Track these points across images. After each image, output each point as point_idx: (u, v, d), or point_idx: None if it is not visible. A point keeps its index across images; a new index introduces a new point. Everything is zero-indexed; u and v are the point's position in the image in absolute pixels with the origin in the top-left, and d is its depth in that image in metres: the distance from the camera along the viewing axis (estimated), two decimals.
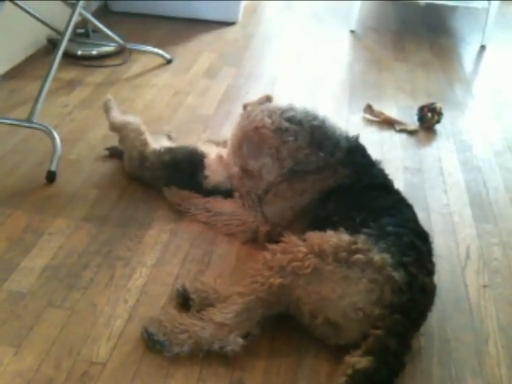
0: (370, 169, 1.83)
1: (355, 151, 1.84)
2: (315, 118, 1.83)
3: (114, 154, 2.26)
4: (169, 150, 2.06)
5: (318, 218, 1.74)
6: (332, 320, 1.47)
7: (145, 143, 2.09)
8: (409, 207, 1.76)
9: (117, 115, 2.23)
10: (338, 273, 1.47)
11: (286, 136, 1.78)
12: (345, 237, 1.53)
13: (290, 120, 1.80)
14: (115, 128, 2.21)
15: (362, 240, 1.51)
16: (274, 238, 1.76)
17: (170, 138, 2.33)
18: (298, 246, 1.53)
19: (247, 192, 1.89)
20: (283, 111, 1.83)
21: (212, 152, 2.05)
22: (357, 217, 1.64)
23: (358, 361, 1.36)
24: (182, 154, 2.04)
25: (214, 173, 1.97)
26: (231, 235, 1.91)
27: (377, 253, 1.48)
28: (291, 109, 1.84)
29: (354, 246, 1.49)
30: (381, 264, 1.46)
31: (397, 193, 1.82)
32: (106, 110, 2.28)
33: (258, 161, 1.83)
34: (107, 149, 2.29)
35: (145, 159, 2.06)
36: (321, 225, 1.65)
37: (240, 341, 1.46)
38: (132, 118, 2.18)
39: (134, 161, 2.09)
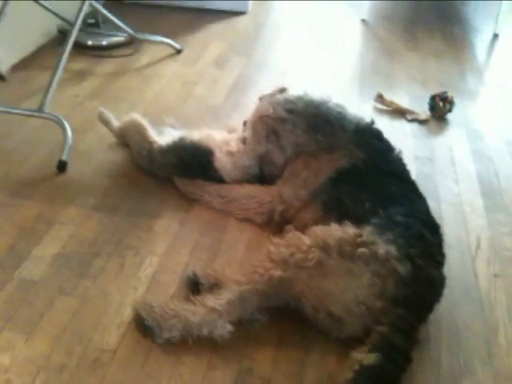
0: (385, 154, 1.85)
1: (366, 134, 1.88)
2: (316, 106, 1.92)
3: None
4: (174, 149, 2.02)
5: (330, 198, 1.74)
6: (334, 314, 1.47)
7: (151, 141, 2.07)
8: (422, 198, 1.75)
9: (116, 123, 2.25)
10: (342, 267, 1.47)
11: (285, 125, 1.91)
12: (350, 230, 1.52)
13: (290, 111, 1.91)
14: (120, 135, 2.21)
15: (367, 232, 1.51)
16: (288, 219, 1.82)
17: (173, 127, 2.28)
18: (302, 240, 1.53)
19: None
20: (286, 102, 1.93)
21: (217, 139, 2.05)
22: (366, 201, 1.64)
23: (365, 357, 1.36)
24: (189, 155, 2.01)
25: (224, 166, 1.98)
26: (245, 220, 1.93)
27: (382, 245, 1.47)
28: (292, 101, 1.94)
29: (359, 240, 1.49)
30: (385, 257, 1.46)
31: (411, 183, 1.82)
32: (104, 123, 2.29)
33: (263, 146, 1.95)
34: None
35: (153, 159, 2.05)
36: (333, 207, 1.68)
37: (228, 327, 1.46)
38: (131, 117, 2.17)
39: (144, 159, 2.10)
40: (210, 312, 1.47)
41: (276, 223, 1.87)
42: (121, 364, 1.43)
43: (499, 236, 1.94)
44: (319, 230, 1.55)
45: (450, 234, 1.90)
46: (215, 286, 1.59)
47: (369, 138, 1.87)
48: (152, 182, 2.09)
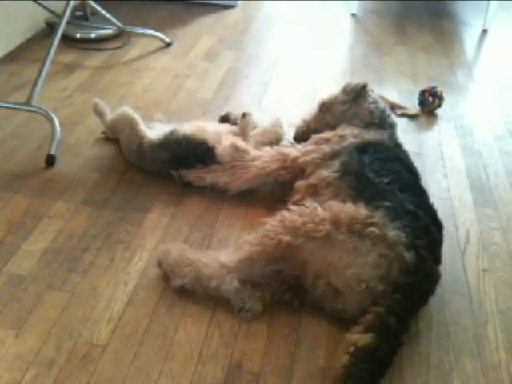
0: (401, 146, 1.98)
1: (392, 126, 2.05)
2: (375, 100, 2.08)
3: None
4: (166, 144, 2.01)
5: (351, 160, 1.78)
6: (334, 285, 1.50)
7: (141, 136, 2.05)
8: (428, 198, 1.78)
9: (109, 115, 2.24)
10: (349, 243, 1.50)
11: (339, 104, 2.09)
12: (363, 210, 1.55)
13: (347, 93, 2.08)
14: (111, 128, 2.20)
15: (379, 216, 1.54)
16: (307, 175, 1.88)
17: (161, 122, 2.25)
18: (317, 211, 1.56)
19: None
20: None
21: (209, 131, 2.05)
22: (386, 176, 1.69)
23: (360, 338, 1.38)
24: (183, 149, 1.99)
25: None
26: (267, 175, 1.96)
27: (392, 229, 1.50)
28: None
29: (369, 220, 1.52)
30: (395, 241, 1.49)
31: (419, 177, 1.85)
32: (98, 114, 2.27)
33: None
34: (104, 132, 2.28)
35: (144, 154, 2.04)
36: (351, 170, 1.74)
37: (235, 282, 1.54)
38: (122, 110, 2.15)
39: (133, 153, 2.08)
40: (221, 267, 1.56)
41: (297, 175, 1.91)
42: (111, 359, 1.42)
43: (488, 230, 1.96)
44: (334, 206, 1.58)
45: None
46: None
47: (392, 130, 2.04)
48: (141, 176, 2.08)
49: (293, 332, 1.53)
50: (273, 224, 1.59)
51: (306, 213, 1.58)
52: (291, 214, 1.59)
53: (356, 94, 2.05)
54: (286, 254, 1.54)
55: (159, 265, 1.65)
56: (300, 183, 1.86)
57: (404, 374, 1.44)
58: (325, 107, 2.11)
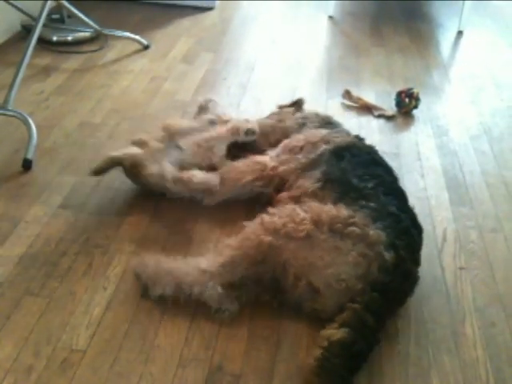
0: (373, 148, 1.98)
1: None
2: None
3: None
4: None
5: (332, 169, 1.79)
6: (314, 285, 1.50)
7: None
8: (406, 197, 1.80)
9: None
10: (330, 242, 1.51)
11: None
12: (344, 211, 1.56)
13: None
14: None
15: (360, 216, 1.55)
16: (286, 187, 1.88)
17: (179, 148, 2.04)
18: (297, 211, 1.57)
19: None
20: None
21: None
22: (370, 181, 1.70)
23: (335, 333, 1.39)
24: None
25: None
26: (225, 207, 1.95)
27: (373, 229, 1.52)
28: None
29: (351, 220, 1.53)
30: (375, 240, 1.50)
31: (398, 180, 1.87)
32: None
33: None
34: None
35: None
36: (334, 178, 1.75)
37: (218, 288, 1.52)
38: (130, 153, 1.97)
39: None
40: (203, 274, 1.54)
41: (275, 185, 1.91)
42: (90, 364, 1.41)
43: (464, 229, 1.98)
44: (314, 206, 1.59)
45: None
46: None
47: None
48: (119, 180, 2.06)
49: (273, 333, 1.54)
50: (253, 227, 1.59)
51: (286, 214, 1.58)
52: (271, 216, 1.60)
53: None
54: (268, 255, 1.54)
55: (137, 278, 1.61)
56: (282, 195, 1.85)
57: (383, 372, 1.45)
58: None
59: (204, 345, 1.48)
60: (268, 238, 1.53)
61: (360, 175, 1.73)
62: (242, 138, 2.05)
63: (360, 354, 1.38)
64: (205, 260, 1.58)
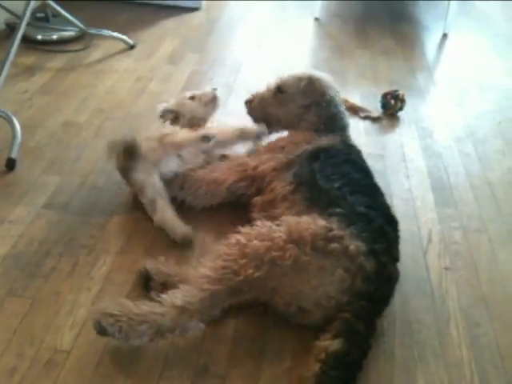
0: (353, 146, 1.98)
1: (345, 129, 2.06)
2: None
3: None
4: None
5: (303, 170, 1.77)
6: (305, 309, 1.49)
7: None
8: (382, 195, 1.78)
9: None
10: (315, 263, 1.45)
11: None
12: (320, 222, 1.51)
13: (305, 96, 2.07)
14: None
15: (336, 225, 1.51)
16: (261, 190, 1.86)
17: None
18: (276, 232, 1.48)
19: None
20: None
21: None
22: (335, 182, 1.68)
23: (330, 344, 1.37)
24: None
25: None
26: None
27: (350, 240, 1.49)
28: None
29: (330, 234, 1.48)
30: (355, 252, 1.47)
31: (372, 176, 1.86)
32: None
33: None
34: None
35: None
36: (304, 180, 1.73)
37: (201, 326, 1.43)
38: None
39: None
40: (181, 313, 1.38)
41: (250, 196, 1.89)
42: (75, 365, 1.40)
43: (449, 230, 1.99)
44: (292, 221, 1.51)
45: (402, 228, 1.90)
46: (167, 282, 1.57)
47: (348, 136, 2.04)
48: (104, 179, 2.05)
49: (259, 334, 1.53)
50: (229, 253, 1.46)
51: (263, 234, 1.48)
52: (248, 239, 1.48)
53: (313, 102, 2.04)
54: (253, 286, 1.46)
55: (103, 332, 1.36)
56: (256, 199, 1.84)
57: (369, 372, 1.45)
58: (282, 97, 2.10)
59: (190, 346, 1.47)
60: (257, 274, 1.42)
61: (328, 175, 1.71)
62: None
63: (355, 363, 1.38)
64: (179, 295, 1.41)
